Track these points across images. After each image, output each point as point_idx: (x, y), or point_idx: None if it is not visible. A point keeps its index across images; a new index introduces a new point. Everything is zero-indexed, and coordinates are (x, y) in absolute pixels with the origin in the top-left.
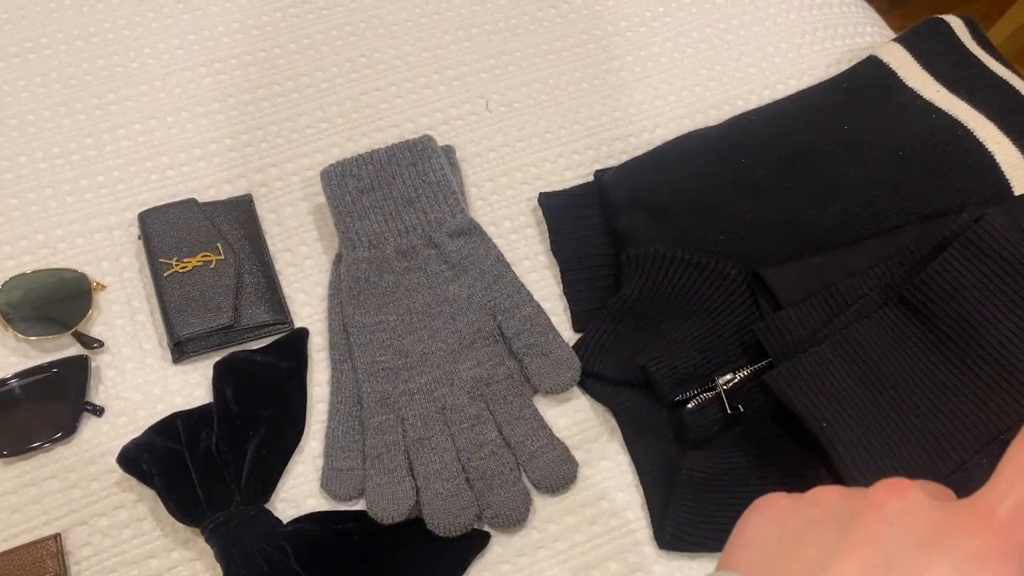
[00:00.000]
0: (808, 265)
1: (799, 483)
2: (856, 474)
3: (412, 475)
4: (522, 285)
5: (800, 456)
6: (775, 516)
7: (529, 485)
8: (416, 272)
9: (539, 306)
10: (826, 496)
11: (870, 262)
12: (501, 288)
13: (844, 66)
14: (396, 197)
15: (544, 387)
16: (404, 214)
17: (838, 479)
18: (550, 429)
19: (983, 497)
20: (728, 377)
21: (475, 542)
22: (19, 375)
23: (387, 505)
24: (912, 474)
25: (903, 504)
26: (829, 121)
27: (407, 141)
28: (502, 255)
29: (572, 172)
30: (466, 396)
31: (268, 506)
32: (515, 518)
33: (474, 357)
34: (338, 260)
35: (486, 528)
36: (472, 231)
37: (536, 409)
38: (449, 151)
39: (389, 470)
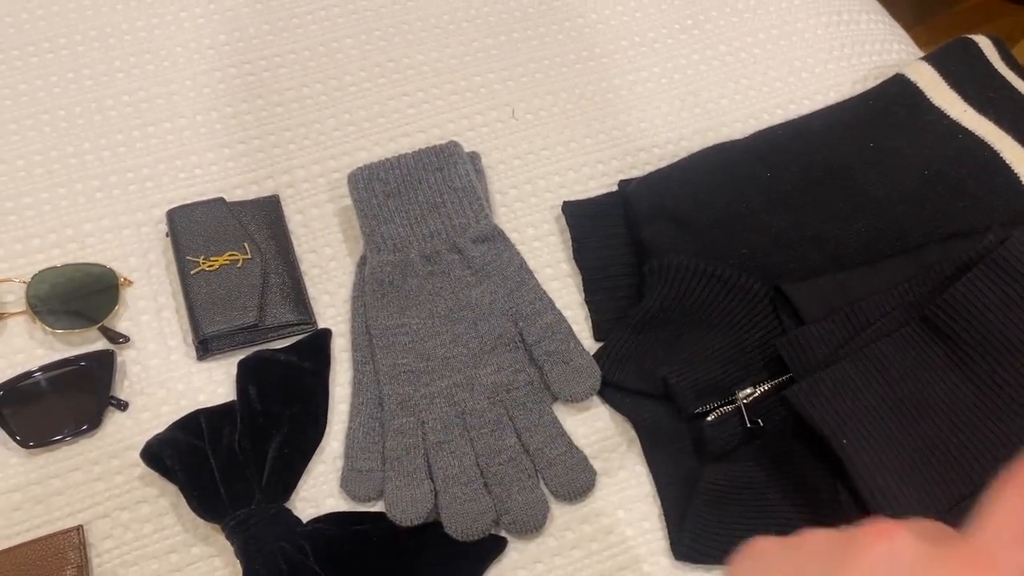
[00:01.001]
0: (831, 281)
1: (817, 499)
2: (875, 491)
3: (431, 478)
4: (544, 292)
5: (819, 472)
6: (764, 561)
7: (547, 492)
8: (439, 277)
9: (560, 314)
10: (814, 540)
11: (893, 280)
12: (523, 295)
13: (871, 83)
14: (422, 202)
15: (564, 395)
16: (429, 219)
17: (856, 496)
18: (569, 437)
19: (974, 539)
20: (748, 391)
21: (493, 547)
22: (45, 368)
23: (405, 507)
24: (931, 494)
25: (891, 548)
26: (855, 138)
27: (434, 147)
28: (525, 262)
29: (596, 181)
30: (486, 401)
31: (288, 505)
32: (533, 524)
33: (495, 363)
34: (362, 262)
35: (503, 533)
36: (496, 237)
37: (555, 416)
38: (475, 157)
39: (408, 473)
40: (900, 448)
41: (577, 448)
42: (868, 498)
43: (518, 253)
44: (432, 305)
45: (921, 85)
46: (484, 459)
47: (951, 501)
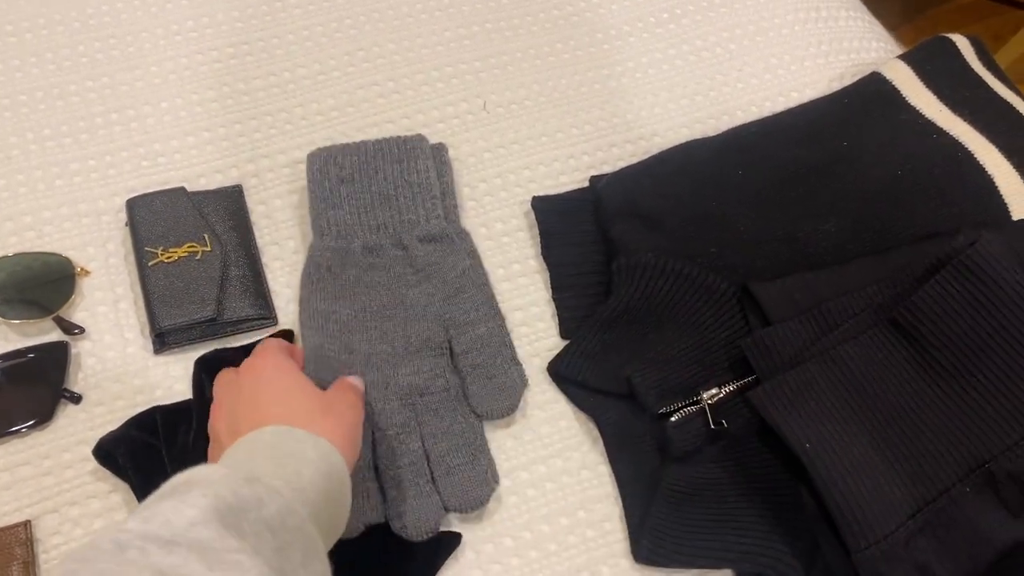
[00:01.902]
0: (799, 281)
1: (780, 502)
2: (837, 496)
3: None
4: (485, 301)
5: (782, 475)
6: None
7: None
8: (379, 271)
9: (498, 326)
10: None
11: (862, 281)
12: (460, 303)
13: (847, 81)
14: (374, 192)
15: (480, 410)
16: (379, 210)
17: (819, 499)
18: (478, 448)
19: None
20: (713, 392)
21: (445, 545)
22: None
23: None
24: (895, 499)
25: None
26: (829, 136)
27: (397, 137)
28: (471, 268)
29: (567, 176)
30: (398, 403)
31: None
32: (423, 530)
33: (415, 364)
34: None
35: (394, 533)
36: (443, 238)
37: (470, 424)
38: (441, 149)
39: None
40: (864, 451)
41: (484, 459)
42: (831, 503)
43: (466, 258)
44: (367, 298)
45: (897, 84)
46: (384, 462)
47: (916, 506)
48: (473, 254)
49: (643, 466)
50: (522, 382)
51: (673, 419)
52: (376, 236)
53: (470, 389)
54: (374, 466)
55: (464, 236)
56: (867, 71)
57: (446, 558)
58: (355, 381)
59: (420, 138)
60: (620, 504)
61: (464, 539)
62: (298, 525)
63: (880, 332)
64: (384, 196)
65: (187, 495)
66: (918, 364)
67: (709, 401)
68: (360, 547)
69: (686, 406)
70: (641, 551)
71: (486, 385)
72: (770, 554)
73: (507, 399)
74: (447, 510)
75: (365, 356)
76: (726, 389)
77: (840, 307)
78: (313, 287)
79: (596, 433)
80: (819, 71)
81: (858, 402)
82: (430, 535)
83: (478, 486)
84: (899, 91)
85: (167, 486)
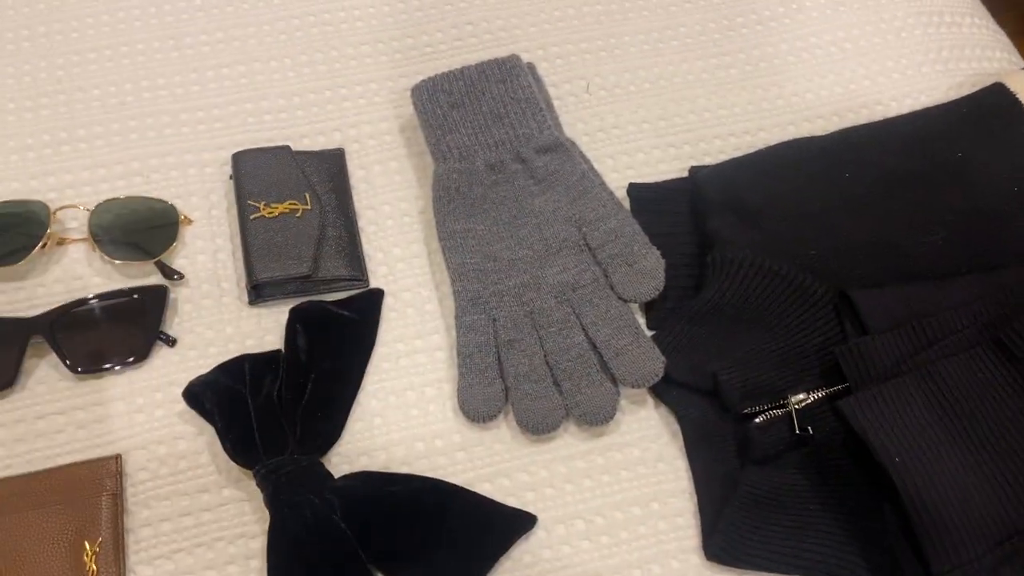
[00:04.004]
0: (901, 292)
1: (861, 516)
2: (924, 513)
3: (501, 377)
4: (609, 198)
5: (865, 489)
6: None
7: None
8: (503, 185)
9: (627, 217)
10: None
11: (967, 298)
12: (586, 202)
13: (967, 90)
14: (485, 112)
15: (627, 295)
16: (493, 128)
17: (905, 517)
18: (638, 326)
19: None
20: (801, 397)
21: (521, 523)
22: (101, 296)
23: (478, 406)
24: (986, 523)
25: None
26: (943, 146)
27: (495, 59)
28: (589, 171)
29: (666, 165)
30: (553, 300)
31: (324, 460)
32: (603, 416)
33: (560, 263)
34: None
35: (575, 425)
36: (558, 147)
37: (624, 308)
38: (532, 68)
39: (480, 370)
40: (956, 472)
41: (645, 337)
42: (917, 520)
43: (582, 162)
44: (496, 212)
45: (1021, 96)
46: (553, 357)
47: (1007, 532)
48: (584, 158)
49: (721, 464)
50: (660, 264)
51: (757, 421)
52: (496, 153)
53: (613, 278)
54: (546, 364)
55: (572, 144)
56: (989, 81)
57: (520, 536)
58: None
59: (516, 57)
60: (695, 501)
61: (537, 518)
62: None
63: (984, 351)
64: (495, 115)
65: None
66: (1021, 387)
67: (796, 406)
68: (442, 511)
69: (771, 409)
70: (712, 548)
71: (628, 272)
72: (845, 566)
73: (651, 281)
74: (624, 385)
75: (508, 262)
76: (814, 395)
77: (942, 322)
78: (445, 209)
79: (676, 427)
80: (937, 78)
81: (954, 420)
82: (609, 421)
83: (650, 361)
84: (1022, 104)
85: None
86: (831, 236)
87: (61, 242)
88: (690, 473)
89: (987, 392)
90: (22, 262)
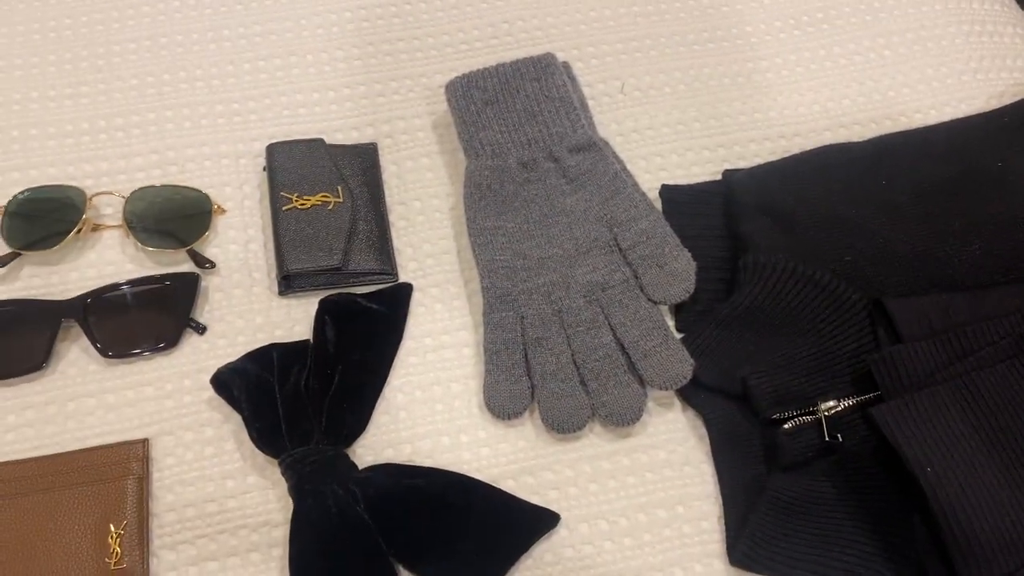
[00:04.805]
0: (937, 301)
1: (889, 527)
2: (955, 525)
3: (528, 375)
4: (641, 199)
5: (895, 499)
6: None
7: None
8: (535, 184)
9: (659, 218)
10: None
11: (1005, 309)
12: (618, 203)
13: (1007, 100)
14: (519, 110)
15: (657, 297)
16: (526, 126)
17: (934, 528)
18: (667, 328)
19: None
20: (831, 404)
21: (543, 521)
22: (133, 282)
23: (504, 402)
24: (1020, 537)
25: None
26: (982, 155)
27: (530, 57)
28: (621, 171)
29: (699, 168)
30: (582, 300)
31: (348, 451)
32: (629, 417)
33: (590, 263)
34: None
35: (600, 426)
36: (591, 147)
37: (653, 309)
38: (567, 67)
39: (507, 368)
40: (990, 484)
41: (674, 339)
42: (949, 534)
43: (614, 162)
44: (527, 211)
45: None
46: (580, 356)
47: None
48: (617, 158)
49: (748, 469)
50: (691, 266)
51: (786, 427)
52: (528, 151)
53: (644, 279)
54: (573, 363)
55: (606, 143)
56: None
57: (543, 534)
58: None
59: (551, 56)
60: (720, 505)
61: (560, 517)
62: None
63: (1021, 363)
64: (529, 112)
65: None
66: None
67: (826, 413)
68: (465, 505)
69: (800, 415)
70: (736, 554)
71: (659, 273)
72: (871, 575)
73: (681, 283)
74: (652, 387)
75: (538, 260)
76: (845, 403)
77: (978, 333)
78: (476, 206)
79: (703, 430)
80: (978, 87)
81: (989, 433)
82: (635, 422)
83: (677, 363)
84: None
85: None
86: (867, 243)
87: (96, 228)
88: (716, 477)
89: None
90: (57, 247)
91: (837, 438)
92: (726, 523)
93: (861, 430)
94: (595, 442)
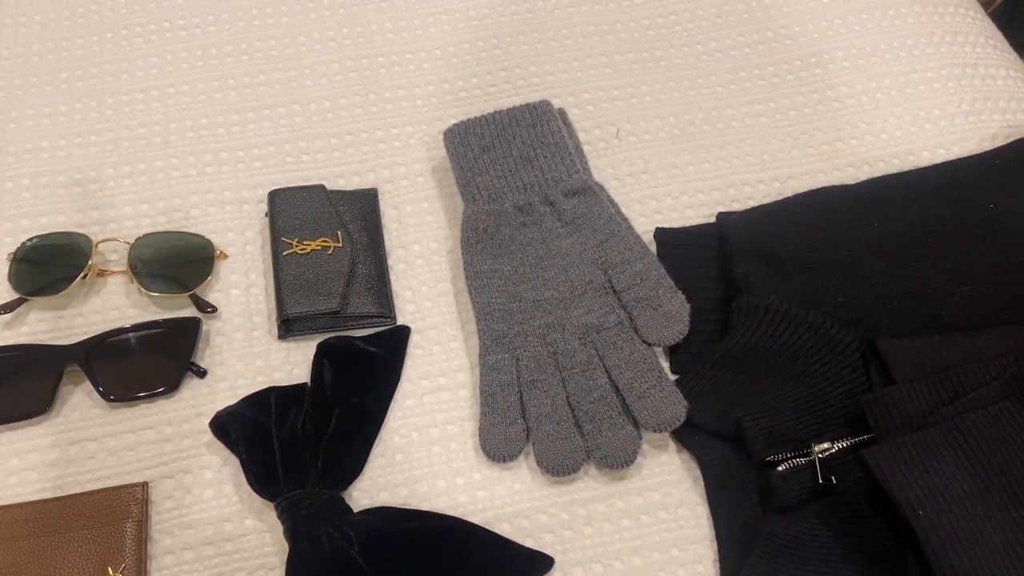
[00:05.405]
0: (929, 343)
1: (884, 568)
2: (948, 569)
3: (523, 417)
4: (635, 241)
5: (889, 542)
6: None
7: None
8: (531, 227)
9: (653, 261)
10: None
11: (997, 350)
12: (612, 245)
13: (1000, 142)
14: (515, 155)
15: (652, 339)
16: (522, 171)
17: (928, 570)
18: (661, 370)
19: None
20: (825, 446)
21: (538, 565)
22: (136, 327)
23: (499, 445)
24: None
25: None
26: (974, 197)
27: (526, 104)
28: (616, 214)
29: (694, 211)
30: (577, 342)
31: (344, 494)
32: (623, 459)
33: (585, 305)
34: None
35: (595, 468)
36: (586, 191)
37: (647, 351)
38: (563, 113)
39: (502, 410)
40: (983, 527)
41: (668, 381)
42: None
43: (609, 206)
44: (523, 254)
45: None
46: (575, 398)
47: None
48: (612, 202)
49: (743, 512)
50: (685, 308)
51: (780, 468)
52: (524, 195)
53: (638, 321)
54: (568, 405)
55: (601, 187)
56: (1022, 133)
57: None
58: None
59: (547, 103)
60: (715, 548)
61: (555, 560)
62: None
63: (1013, 404)
64: (525, 158)
65: None
66: None
67: (820, 455)
68: (461, 550)
69: (795, 457)
70: None
71: (653, 315)
72: None
73: (676, 325)
74: (646, 429)
75: (533, 303)
76: (839, 445)
77: (970, 374)
78: (473, 249)
79: (698, 472)
80: (971, 129)
81: (982, 475)
82: (630, 464)
83: (671, 405)
84: None
85: None
86: (859, 285)
87: (101, 273)
88: (711, 520)
89: (1016, 447)
90: (63, 292)
91: (831, 480)
92: (721, 566)
93: (855, 472)
94: (590, 485)
